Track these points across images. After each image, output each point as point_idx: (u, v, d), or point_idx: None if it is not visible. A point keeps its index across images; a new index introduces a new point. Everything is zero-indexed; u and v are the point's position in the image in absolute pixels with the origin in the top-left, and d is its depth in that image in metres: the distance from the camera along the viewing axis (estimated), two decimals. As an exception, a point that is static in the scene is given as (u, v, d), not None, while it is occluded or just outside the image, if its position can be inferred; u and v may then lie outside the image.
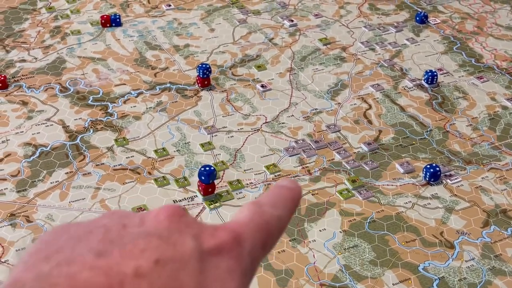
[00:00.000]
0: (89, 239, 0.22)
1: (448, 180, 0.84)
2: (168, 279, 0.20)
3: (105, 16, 1.14)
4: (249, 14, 1.21)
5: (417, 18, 1.19)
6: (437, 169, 0.83)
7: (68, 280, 0.20)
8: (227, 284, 0.22)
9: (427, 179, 0.83)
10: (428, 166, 0.83)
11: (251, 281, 0.24)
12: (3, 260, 0.72)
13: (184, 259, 0.21)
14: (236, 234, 0.24)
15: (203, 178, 0.79)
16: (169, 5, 1.22)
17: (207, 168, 0.79)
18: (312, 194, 0.81)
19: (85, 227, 0.23)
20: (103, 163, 0.85)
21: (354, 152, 0.88)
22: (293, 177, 0.84)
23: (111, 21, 1.14)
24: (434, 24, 1.19)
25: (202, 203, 0.80)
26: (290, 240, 0.75)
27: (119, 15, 1.15)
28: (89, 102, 0.96)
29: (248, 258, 0.24)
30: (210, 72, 1.00)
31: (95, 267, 0.20)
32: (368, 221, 0.78)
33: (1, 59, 1.05)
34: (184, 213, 0.24)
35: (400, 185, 0.83)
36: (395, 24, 1.19)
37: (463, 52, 1.11)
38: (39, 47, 1.09)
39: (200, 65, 1.00)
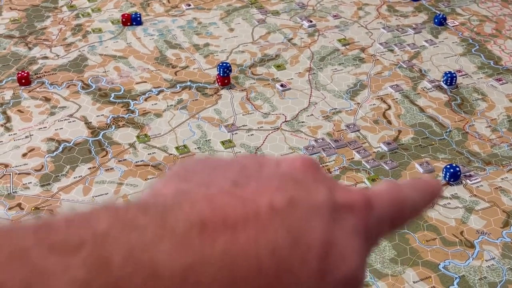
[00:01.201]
0: (226, 170, 0.22)
1: (467, 181, 0.84)
2: (300, 219, 0.20)
3: (126, 15, 1.16)
4: (268, 14, 1.22)
5: (436, 20, 1.19)
6: (457, 169, 0.83)
7: (207, 200, 0.20)
8: (352, 240, 0.22)
9: (447, 179, 0.83)
10: (448, 166, 0.83)
11: (371, 251, 0.24)
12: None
13: (316, 205, 0.21)
14: (368, 198, 0.23)
15: None
16: (189, 5, 1.23)
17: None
18: (332, 193, 0.82)
19: (222, 161, 0.24)
20: (125, 159, 0.86)
21: (374, 152, 0.89)
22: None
23: (132, 20, 1.16)
24: (453, 26, 1.20)
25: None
26: (311, 237, 0.75)
27: (139, 14, 1.16)
28: (111, 99, 0.97)
29: (374, 225, 0.23)
30: (230, 71, 1.01)
31: (233, 194, 0.20)
32: (388, 219, 0.78)
33: (23, 56, 1.07)
34: (319, 166, 0.24)
35: (420, 185, 0.83)
36: (414, 25, 1.19)
37: (481, 54, 1.12)
38: (61, 45, 1.10)
39: (220, 64, 1.00)
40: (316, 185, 0.22)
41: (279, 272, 0.19)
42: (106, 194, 0.81)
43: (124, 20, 1.15)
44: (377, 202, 0.23)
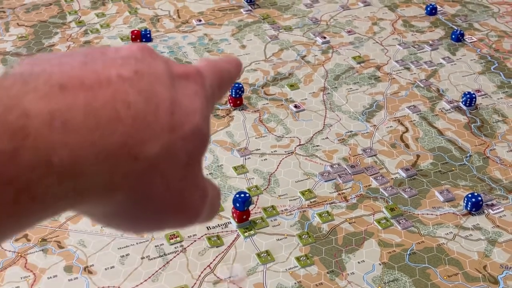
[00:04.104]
0: (73, 56, 0.24)
1: (490, 210, 0.81)
2: (146, 86, 0.24)
3: (135, 31, 1.13)
4: (280, 30, 1.19)
5: (453, 36, 1.16)
6: (479, 198, 0.80)
7: (61, 72, 0.23)
8: (194, 101, 0.26)
9: (468, 208, 0.80)
10: (470, 196, 0.80)
11: (211, 110, 0.29)
12: None
13: (158, 75, 0.25)
14: (199, 69, 0.28)
15: (237, 205, 0.77)
16: (200, 20, 1.21)
17: (242, 195, 0.77)
18: (349, 223, 0.79)
19: (68, 52, 0.26)
20: (135, 186, 0.83)
21: (392, 178, 0.86)
22: (330, 203, 0.82)
23: (142, 37, 1.13)
24: (470, 42, 1.16)
25: (236, 231, 0.78)
26: (327, 272, 0.72)
27: (149, 31, 1.14)
28: (120, 121, 0.95)
29: (209, 89, 0.28)
30: (242, 91, 0.98)
31: (83, 68, 0.23)
32: (408, 253, 0.75)
33: (31, 75, 1.04)
34: (153, 49, 0.27)
35: (440, 214, 0.80)
36: (430, 42, 1.16)
37: (500, 73, 1.08)
38: (69, 63, 1.08)
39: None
40: (154, 60, 0.25)
41: (136, 122, 0.23)
42: (115, 224, 0.78)
43: (133, 36, 1.13)
44: (205, 72, 0.28)
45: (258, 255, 0.74)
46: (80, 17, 1.20)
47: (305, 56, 1.12)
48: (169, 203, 0.26)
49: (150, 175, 0.24)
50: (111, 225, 0.27)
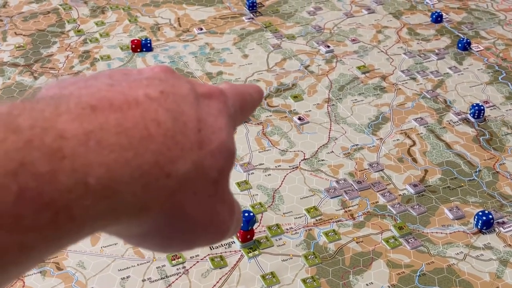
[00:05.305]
0: (98, 78, 0.25)
1: (501, 228, 0.79)
2: (173, 105, 0.24)
3: (135, 41, 1.11)
4: (283, 39, 1.16)
5: (459, 45, 1.14)
6: (490, 216, 0.78)
7: (90, 95, 0.23)
8: (219, 119, 0.26)
9: (479, 227, 0.78)
10: (480, 214, 0.78)
11: (234, 131, 0.28)
12: (32, 312, 0.68)
13: (183, 94, 0.25)
14: (221, 89, 0.28)
15: (241, 224, 0.75)
16: (201, 29, 1.18)
17: (246, 214, 0.75)
18: (357, 242, 0.77)
19: (91, 75, 0.26)
20: (136, 204, 0.81)
21: (399, 195, 0.84)
22: (336, 221, 0.79)
23: (142, 46, 1.11)
24: (477, 51, 1.14)
25: (240, 251, 0.75)
26: (335, 295, 0.70)
27: (150, 40, 1.11)
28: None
29: (231, 108, 0.28)
30: (245, 103, 0.96)
31: (110, 90, 0.24)
32: (418, 274, 0.73)
33: (29, 87, 1.02)
34: (174, 70, 0.27)
35: (450, 233, 0.78)
36: (436, 51, 1.14)
37: (509, 83, 1.06)
38: (68, 74, 1.05)
39: (235, 97, 0.95)
40: (178, 80, 0.26)
41: (167, 140, 0.23)
42: (115, 244, 0.76)
43: (133, 46, 1.10)
44: (227, 93, 0.28)
45: (263, 276, 0.72)
46: (79, 25, 1.18)
47: (308, 65, 1.09)
48: (201, 220, 0.26)
49: (182, 192, 0.24)
50: (143, 245, 0.27)
